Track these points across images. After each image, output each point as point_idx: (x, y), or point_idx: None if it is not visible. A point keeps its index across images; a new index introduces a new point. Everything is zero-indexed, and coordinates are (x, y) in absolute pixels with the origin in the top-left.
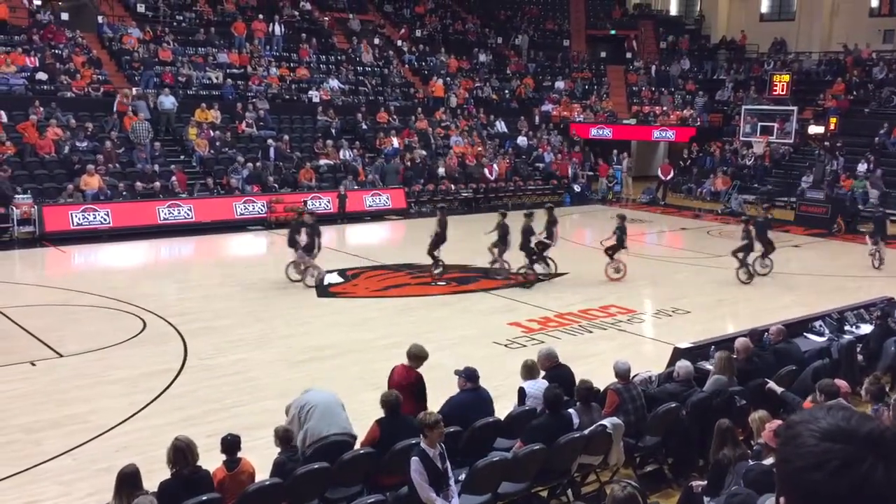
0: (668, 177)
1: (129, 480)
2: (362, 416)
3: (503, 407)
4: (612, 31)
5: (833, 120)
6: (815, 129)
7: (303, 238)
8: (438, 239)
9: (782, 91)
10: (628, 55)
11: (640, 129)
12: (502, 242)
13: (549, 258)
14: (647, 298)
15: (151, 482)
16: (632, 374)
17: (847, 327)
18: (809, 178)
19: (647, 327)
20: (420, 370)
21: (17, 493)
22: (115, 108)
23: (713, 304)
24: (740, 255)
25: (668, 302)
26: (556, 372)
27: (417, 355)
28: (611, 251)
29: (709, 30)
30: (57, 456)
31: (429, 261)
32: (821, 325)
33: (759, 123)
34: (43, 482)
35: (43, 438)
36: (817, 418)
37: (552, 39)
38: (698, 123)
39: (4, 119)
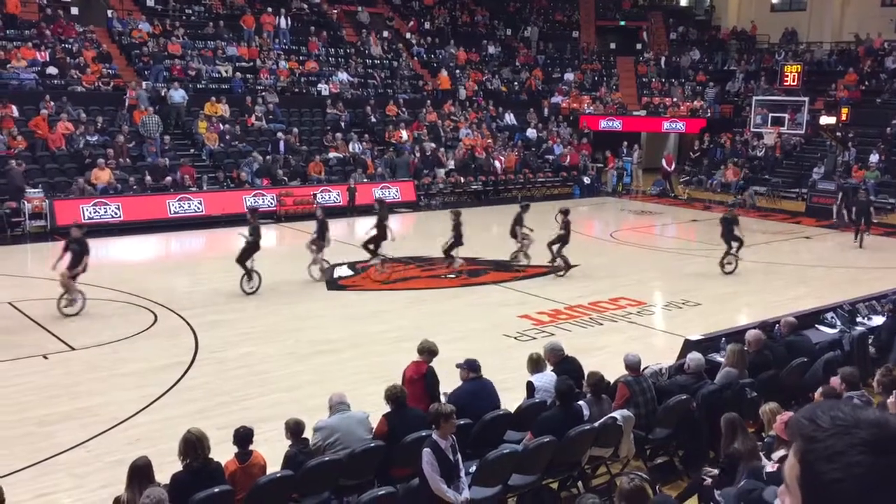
0: (672, 167)
1: (141, 473)
2: (371, 408)
3: (513, 399)
4: (622, 22)
5: (845, 110)
6: (826, 120)
7: (66, 256)
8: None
9: (793, 82)
10: (638, 46)
11: (651, 121)
12: (321, 239)
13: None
14: (658, 290)
15: (164, 474)
16: (642, 367)
17: (859, 319)
18: (821, 170)
19: (657, 319)
20: (431, 364)
21: (31, 486)
22: (126, 103)
23: (724, 296)
24: (555, 246)
25: (678, 294)
26: (564, 365)
27: (427, 350)
28: (449, 250)
29: (719, 20)
30: (70, 448)
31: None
32: (832, 317)
33: (770, 114)
34: (56, 474)
35: (56, 431)
36: (850, 430)
37: (561, 31)
38: (709, 114)
39: (16, 113)
